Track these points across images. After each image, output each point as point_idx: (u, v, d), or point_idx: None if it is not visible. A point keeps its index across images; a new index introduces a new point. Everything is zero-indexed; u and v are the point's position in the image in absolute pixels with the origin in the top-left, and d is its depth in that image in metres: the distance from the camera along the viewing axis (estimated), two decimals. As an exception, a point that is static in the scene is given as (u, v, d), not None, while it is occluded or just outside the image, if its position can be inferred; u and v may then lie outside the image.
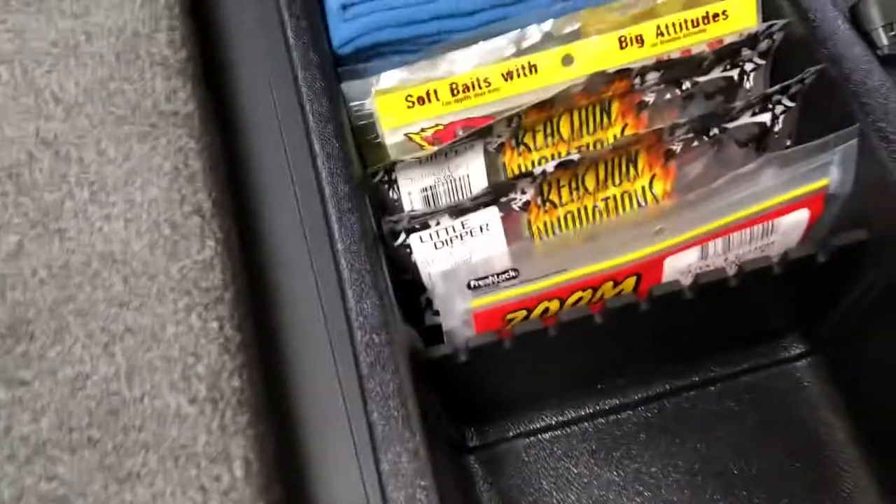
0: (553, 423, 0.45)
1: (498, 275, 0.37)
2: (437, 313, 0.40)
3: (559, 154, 0.41)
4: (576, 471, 0.44)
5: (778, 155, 0.37)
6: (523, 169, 0.41)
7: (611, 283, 0.38)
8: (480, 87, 0.40)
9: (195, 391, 0.31)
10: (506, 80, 0.40)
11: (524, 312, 0.38)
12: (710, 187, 0.37)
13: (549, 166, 0.37)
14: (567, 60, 0.40)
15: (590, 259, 0.37)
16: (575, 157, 0.37)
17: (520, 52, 0.41)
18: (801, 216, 0.39)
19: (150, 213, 0.35)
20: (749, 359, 0.46)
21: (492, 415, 0.45)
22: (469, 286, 0.37)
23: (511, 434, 0.45)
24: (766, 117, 0.40)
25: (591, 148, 0.41)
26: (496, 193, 0.38)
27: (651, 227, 0.37)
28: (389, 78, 0.41)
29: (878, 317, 0.40)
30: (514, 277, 0.37)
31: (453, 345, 0.38)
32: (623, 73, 0.38)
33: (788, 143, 0.41)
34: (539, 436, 0.45)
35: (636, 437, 0.44)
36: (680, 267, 0.38)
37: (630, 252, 0.37)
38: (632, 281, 0.38)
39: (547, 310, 0.38)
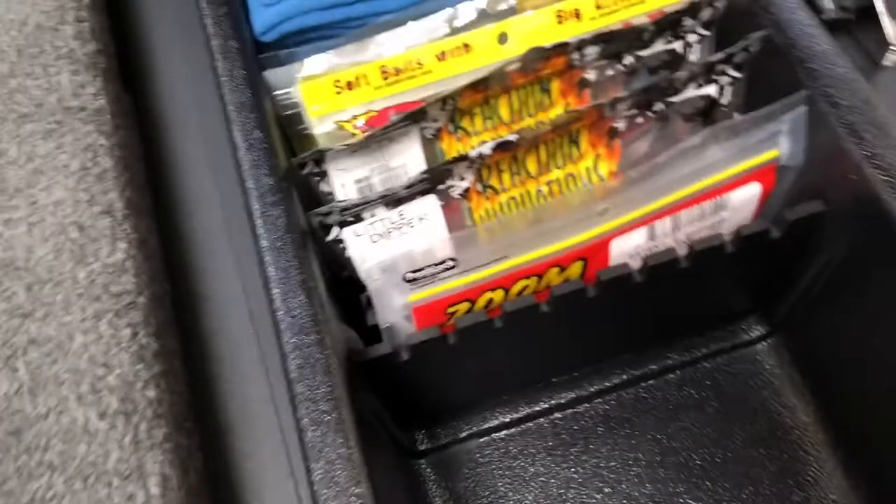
0: (507, 420, 0.43)
1: (435, 265, 0.34)
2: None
3: (500, 137, 0.39)
4: (532, 469, 0.42)
5: (724, 126, 0.36)
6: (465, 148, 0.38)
7: (556, 270, 0.36)
8: (413, 70, 0.38)
9: (106, 404, 0.29)
10: (439, 60, 0.38)
11: (467, 304, 0.36)
12: (653, 163, 0.35)
13: (486, 148, 0.35)
14: (503, 38, 0.38)
15: (532, 245, 0.35)
16: (512, 137, 0.35)
17: (453, 32, 0.39)
18: (753, 190, 0.37)
19: (55, 215, 0.32)
20: (708, 344, 0.44)
21: (442, 415, 0.43)
22: (405, 279, 0.34)
23: (463, 435, 0.42)
24: (711, 89, 0.39)
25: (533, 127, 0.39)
26: (432, 181, 0.36)
27: (594, 208, 0.35)
28: (315, 63, 0.38)
29: (837, 293, 0.38)
30: (452, 267, 0.35)
31: (394, 343, 0.35)
32: (560, 49, 0.36)
33: (737, 115, 0.39)
34: (493, 435, 0.43)
35: (594, 431, 0.42)
36: (627, 249, 0.36)
37: (573, 235, 0.35)
38: (578, 266, 0.36)
39: (491, 301, 0.36)
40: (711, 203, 0.36)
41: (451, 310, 0.36)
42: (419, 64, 0.38)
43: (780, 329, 0.43)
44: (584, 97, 0.39)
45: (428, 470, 0.42)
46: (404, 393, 0.39)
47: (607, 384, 0.43)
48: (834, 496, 0.40)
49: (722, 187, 0.36)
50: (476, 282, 0.35)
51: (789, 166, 0.37)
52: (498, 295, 0.36)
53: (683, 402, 0.43)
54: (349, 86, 0.38)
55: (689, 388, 0.43)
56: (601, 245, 0.36)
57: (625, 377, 0.43)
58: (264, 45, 0.41)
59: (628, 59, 0.39)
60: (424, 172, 0.36)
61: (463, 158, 0.35)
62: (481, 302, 0.36)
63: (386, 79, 0.38)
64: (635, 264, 0.36)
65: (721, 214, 0.37)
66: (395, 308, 0.35)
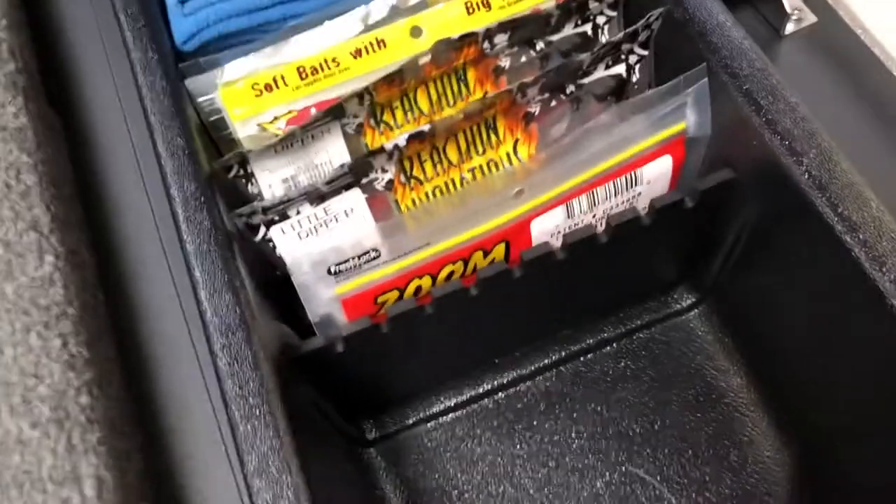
0: (452, 404, 0.44)
1: (358, 257, 0.35)
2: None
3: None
4: (479, 450, 0.43)
5: (630, 103, 0.37)
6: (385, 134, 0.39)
7: (480, 254, 0.37)
8: (329, 68, 0.39)
9: (38, 414, 0.30)
10: (355, 58, 0.39)
11: (396, 293, 0.37)
12: (565, 143, 0.36)
13: (401, 139, 0.36)
14: (415, 32, 0.39)
15: (455, 230, 0.36)
16: (425, 127, 0.36)
17: (367, 29, 0.40)
18: (665, 163, 0.38)
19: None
20: (641, 315, 0.45)
21: (389, 404, 0.44)
22: (330, 272, 0.35)
23: (411, 421, 0.43)
24: (621, 69, 0.40)
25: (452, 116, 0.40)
26: (355, 175, 0.37)
27: (510, 191, 0.36)
28: (234, 69, 0.39)
29: (754, 257, 0.40)
30: (376, 258, 0.36)
31: (328, 335, 0.36)
32: (468, 38, 0.37)
33: (647, 91, 0.40)
34: (439, 419, 0.44)
35: (536, 408, 0.43)
36: (548, 229, 0.38)
37: (493, 218, 0.36)
38: (501, 248, 0.37)
39: (420, 288, 0.37)
40: (625, 179, 0.38)
41: (380, 299, 0.37)
42: (335, 62, 0.39)
43: (709, 296, 0.44)
44: (501, 83, 0.40)
45: (378, 458, 0.43)
46: (346, 384, 0.40)
47: (546, 361, 0.44)
48: (769, 453, 0.41)
49: (634, 162, 0.37)
50: (402, 270, 0.36)
51: (697, 137, 0.38)
52: (426, 282, 0.37)
53: (621, 374, 0.44)
54: (267, 88, 0.38)
55: (626, 359, 0.44)
56: (521, 226, 0.37)
57: (563, 353, 0.44)
58: (187, 53, 0.42)
59: (540, 45, 0.40)
60: (343, 167, 0.36)
61: (380, 151, 0.36)
62: (410, 289, 0.37)
63: (303, 79, 0.39)
64: (557, 243, 0.37)
65: (636, 189, 0.38)
66: (324, 301, 0.36)
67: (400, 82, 0.38)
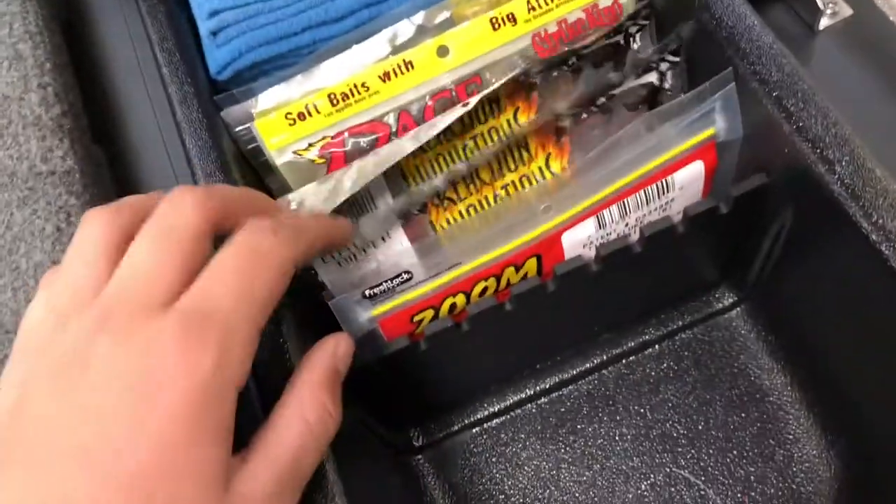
0: (496, 410, 0.45)
1: (391, 280, 0.36)
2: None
3: (454, 148, 0.40)
4: (524, 454, 0.44)
5: (657, 112, 0.37)
6: (421, 170, 0.40)
7: (512, 269, 0.38)
8: (359, 93, 0.39)
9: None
10: (383, 81, 0.40)
11: (431, 312, 0.38)
12: (590, 155, 0.36)
13: (440, 182, 0.37)
14: (442, 51, 0.40)
15: (486, 247, 0.37)
16: (462, 166, 0.37)
17: (395, 50, 0.40)
18: (696, 169, 0.38)
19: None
20: (682, 316, 0.45)
21: (434, 412, 0.45)
22: (364, 296, 0.36)
23: (456, 427, 0.45)
24: (652, 77, 0.39)
25: (485, 136, 0.40)
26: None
27: (538, 206, 0.36)
28: (268, 98, 0.40)
29: (793, 258, 0.39)
30: (408, 280, 0.36)
31: (366, 356, 0.37)
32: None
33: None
34: (484, 425, 0.45)
35: (580, 412, 0.44)
36: (580, 240, 0.38)
37: (523, 234, 0.36)
38: (533, 263, 0.38)
39: (454, 306, 0.38)
40: (656, 187, 0.38)
41: (416, 318, 0.38)
42: (365, 87, 0.39)
43: (751, 295, 0.44)
44: (533, 100, 0.40)
45: (425, 465, 0.44)
46: (389, 398, 0.41)
47: (588, 365, 0.45)
48: (814, 452, 0.41)
49: (664, 170, 0.37)
50: (436, 290, 0.37)
51: (728, 141, 0.38)
52: (460, 300, 0.38)
53: (663, 375, 0.44)
54: (301, 116, 0.39)
55: (668, 360, 0.44)
56: (552, 240, 0.37)
57: (605, 357, 0.45)
58: (223, 82, 0.43)
59: (572, 59, 0.40)
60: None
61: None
62: (445, 307, 0.38)
63: (335, 105, 0.39)
64: (589, 254, 0.38)
65: (669, 196, 0.38)
66: (360, 324, 0.37)
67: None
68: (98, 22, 0.47)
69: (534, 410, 0.45)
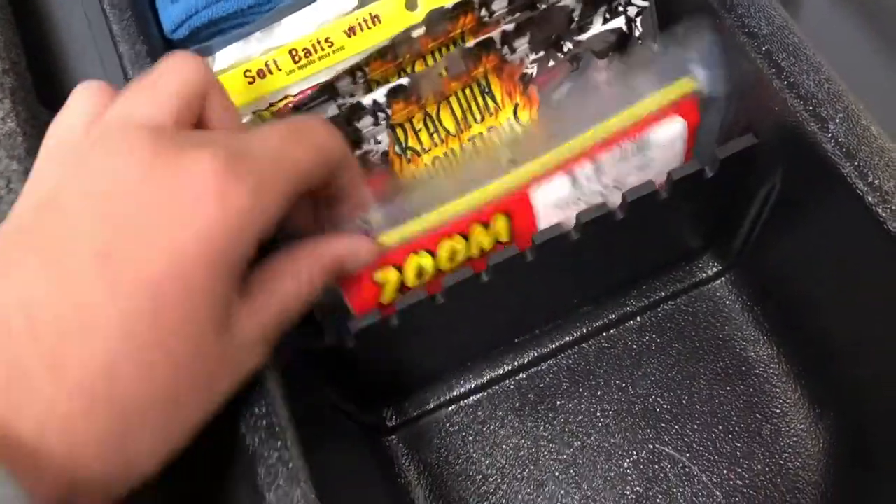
0: (472, 387, 0.43)
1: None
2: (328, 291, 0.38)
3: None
4: (502, 432, 0.42)
5: (628, 58, 0.35)
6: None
7: (481, 229, 0.35)
8: (323, 49, 0.37)
9: None
10: (349, 36, 0.37)
11: (395, 273, 0.35)
12: (555, 97, 0.34)
13: (380, 95, 0.35)
14: (411, 5, 0.37)
15: (446, 200, 0.35)
16: (404, 81, 0.35)
17: (362, 4, 0.38)
18: (676, 126, 0.36)
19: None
20: (665, 287, 0.43)
21: (408, 390, 0.43)
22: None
23: (431, 406, 0.43)
24: (620, 22, 0.37)
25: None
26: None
27: (501, 157, 0.34)
28: (226, 56, 0.37)
29: (781, 224, 0.38)
30: (367, 231, 0.34)
31: (336, 333, 0.35)
32: (464, 6, 0.35)
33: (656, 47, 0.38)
34: (461, 402, 0.43)
35: (559, 387, 0.42)
36: (552, 200, 0.36)
37: (486, 186, 0.34)
38: (503, 223, 0.35)
39: (421, 268, 0.36)
40: (632, 143, 0.35)
41: (378, 277, 0.35)
42: (329, 42, 0.37)
43: (736, 264, 0.42)
44: (532, 93, 0.38)
45: (400, 444, 0.42)
46: (361, 377, 0.39)
47: (568, 339, 0.43)
48: (803, 426, 0.40)
49: (640, 125, 0.35)
50: (395, 245, 0.35)
51: (711, 97, 0.36)
52: (426, 260, 0.35)
53: (646, 348, 0.42)
54: (260, 74, 0.37)
55: (650, 333, 0.43)
56: (521, 196, 0.35)
57: (585, 330, 0.43)
58: (178, 42, 0.40)
59: (567, 46, 0.37)
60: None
61: (360, 109, 0.35)
62: (410, 269, 0.35)
63: (297, 62, 0.37)
64: (567, 217, 0.36)
65: (647, 154, 0.36)
66: None
67: (394, 57, 0.36)
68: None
69: (512, 387, 0.43)
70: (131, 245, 0.24)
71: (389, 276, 0.35)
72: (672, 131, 0.36)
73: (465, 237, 0.35)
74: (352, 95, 0.37)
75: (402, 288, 0.36)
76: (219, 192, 0.24)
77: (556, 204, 0.36)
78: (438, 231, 0.35)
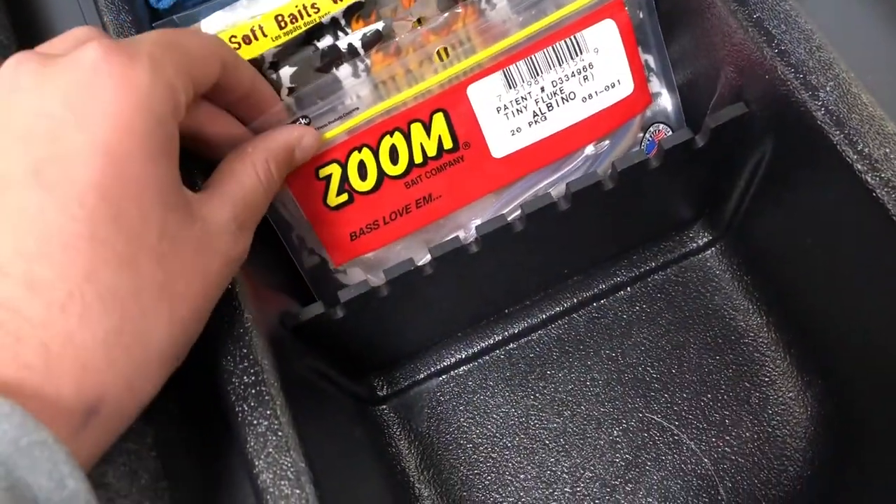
0: (463, 356, 0.43)
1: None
2: (312, 251, 0.38)
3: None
4: (493, 401, 0.42)
5: None
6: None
7: (420, 126, 0.36)
8: (309, 14, 0.36)
9: None
10: (335, 2, 0.36)
11: (337, 167, 0.36)
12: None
13: (356, 40, 0.36)
14: (397, -31, 0.37)
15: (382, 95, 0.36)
16: (378, 25, 0.36)
17: (348, -29, 0.37)
18: (608, 28, 0.37)
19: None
20: (656, 257, 0.43)
21: (398, 360, 0.43)
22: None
23: (421, 376, 0.43)
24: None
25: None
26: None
27: (428, 50, 0.35)
28: (211, 23, 0.37)
29: (771, 193, 0.37)
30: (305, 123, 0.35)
31: (324, 303, 0.35)
32: None
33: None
34: (451, 372, 0.43)
35: (549, 357, 0.42)
36: (489, 98, 0.36)
37: (419, 82, 0.35)
38: (441, 121, 0.36)
39: (363, 166, 0.36)
40: (565, 44, 0.36)
41: (322, 173, 0.36)
42: (315, 7, 0.36)
43: (726, 233, 0.42)
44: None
45: (391, 414, 0.42)
46: (351, 346, 0.39)
47: (558, 309, 0.43)
48: (791, 394, 0.40)
49: (569, 26, 0.36)
50: (334, 139, 0.36)
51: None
52: (367, 156, 0.36)
53: (636, 318, 0.43)
54: (246, 40, 0.36)
55: (640, 302, 0.43)
56: (457, 93, 0.36)
57: (575, 300, 0.43)
58: (164, 11, 0.39)
59: None
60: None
61: (337, 58, 0.36)
62: (352, 165, 0.36)
63: (282, 27, 0.36)
64: (497, 117, 0.37)
65: (584, 59, 0.37)
66: None
67: (397, 51, 0.36)
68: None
69: (502, 356, 0.43)
70: (59, 155, 0.23)
71: (333, 169, 0.36)
72: (604, 33, 0.36)
73: (405, 134, 0.36)
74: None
75: (348, 186, 0.37)
76: (116, 73, 0.24)
77: (496, 107, 0.36)
78: (375, 125, 0.36)
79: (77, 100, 0.24)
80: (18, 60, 0.25)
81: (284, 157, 0.32)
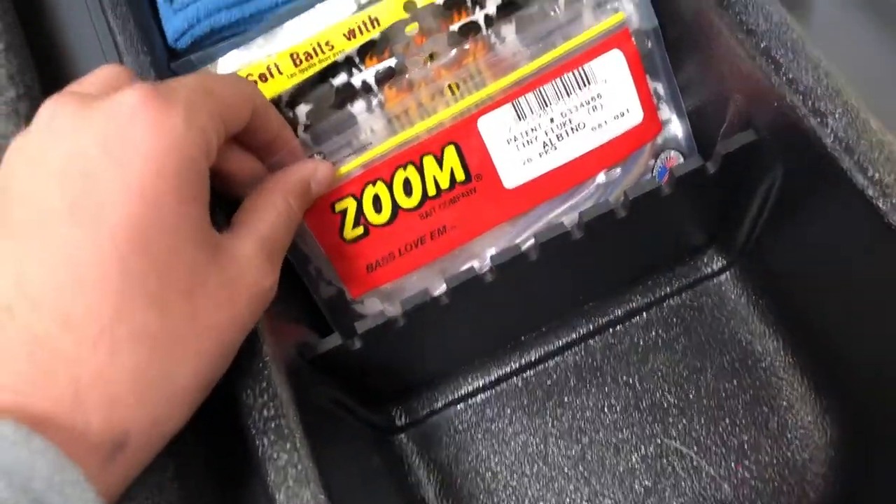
0: (480, 385, 0.43)
1: None
2: (329, 283, 0.39)
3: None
4: (511, 430, 0.42)
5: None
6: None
7: (433, 160, 0.37)
8: (324, 51, 0.37)
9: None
10: (348, 38, 0.37)
11: (353, 200, 0.37)
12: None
13: (369, 77, 0.37)
14: (409, 6, 0.37)
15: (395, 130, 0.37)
16: (391, 62, 0.36)
17: (361, 8, 0.38)
18: (616, 59, 0.37)
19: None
20: (670, 282, 0.43)
21: (416, 389, 0.43)
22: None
23: (439, 405, 0.43)
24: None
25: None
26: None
27: (440, 85, 0.36)
28: (228, 62, 0.38)
29: (783, 218, 0.38)
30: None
31: (344, 329, 0.36)
32: (453, 1, 0.36)
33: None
34: (469, 401, 0.43)
35: (567, 384, 0.43)
36: (499, 130, 0.37)
37: (432, 115, 0.36)
38: (453, 154, 0.37)
39: (378, 200, 0.37)
40: (574, 75, 0.37)
41: (338, 207, 0.37)
42: (329, 45, 0.37)
43: (740, 258, 0.42)
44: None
45: (409, 444, 0.42)
46: (369, 376, 0.39)
47: (574, 336, 0.43)
48: (809, 418, 0.40)
49: (577, 58, 0.37)
50: (349, 174, 0.36)
51: (643, 30, 0.38)
52: (382, 191, 0.37)
53: (652, 343, 0.43)
54: (262, 78, 0.37)
55: (656, 328, 0.43)
56: (468, 125, 0.37)
57: (591, 326, 0.43)
58: (182, 51, 0.40)
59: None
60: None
61: (350, 89, 0.37)
62: (367, 200, 0.37)
63: (298, 65, 0.37)
64: (508, 148, 0.37)
65: (592, 89, 0.37)
66: None
67: (409, 88, 0.37)
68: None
69: (519, 384, 0.43)
70: (94, 192, 0.24)
71: (348, 203, 0.37)
72: (612, 63, 0.37)
73: (419, 168, 0.37)
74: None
75: (363, 220, 0.37)
76: (153, 118, 0.25)
77: (507, 138, 0.37)
78: (388, 159, 0.36)
79: (113, 142, 0.25)
80: (57, 102, 0.26)
81: (301, 190, 0.33)
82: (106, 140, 0.25)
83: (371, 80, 0.37)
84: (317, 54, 0.37)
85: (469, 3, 0.36)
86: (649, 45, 0.38)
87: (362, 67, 0.37)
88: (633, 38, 0.37)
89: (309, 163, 0.34)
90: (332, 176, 0.35)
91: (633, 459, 0.41)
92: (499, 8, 0.37)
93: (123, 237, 0.24)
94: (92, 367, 0.23)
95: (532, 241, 0.36)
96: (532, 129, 0.37)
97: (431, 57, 0.37)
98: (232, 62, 0.38)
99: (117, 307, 0.24)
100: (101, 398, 0.23)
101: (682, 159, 0.41)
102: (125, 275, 0.24)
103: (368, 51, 0.37)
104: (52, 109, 0.26)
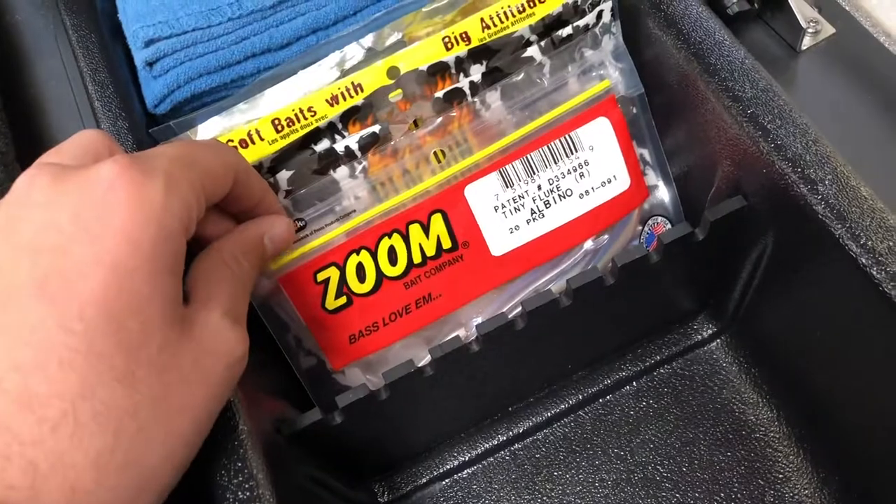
0: (466, 458, 0.41)
1: None
2: (309, 353, 0.38)
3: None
4: (498, 506, 0.40)
5: (540, 63, 0.36)
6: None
7: (418, 228, 0.36)
8: (306, 118, 0.37)
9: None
10: (331, 105, 0.37)
11: (336, 271, 0.36)
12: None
13: (353, 143, 0.36)
14: (392, 73, 0.37)
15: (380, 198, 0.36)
16: (375, 128, 0.36)
17: (344, 74, 0.38)
18: (602, 126, 0.37)
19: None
20: (661, 350, 0.42)
21: (398, 463, 0.41)
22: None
23: (424, 480, 0.41)
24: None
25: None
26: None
27: (428, 152, 0.36)
28: (208, 128, 0.37)
29: (775, 285, 0.37)
30: (301, 228, 0.35)
31: (323, 407, 0.34)
32: (437, 68, 0.35)
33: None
34: (455, 476, 0.41)
35: (556, 457, 0.41)
36: (486, 198, 0.37)
37: (417, 183, 0.36)
38: (440, 222, 0.36)
39: (362, 268, 0.36)
40: (561, 143, 0.37)
41: (321, 276, 0.36)
42: (311, 111, 0.37)
43: (731, 324, 0.42)
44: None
45: (392, 521, 0.41)
46: (350, 450, 0.38)
47: (563, 406, 0.42)
48: (807, 491, 0.39)
49: (564, 125, 0.37)
50: (331, 242, 0.36)
51: (629, 97, 0.38)
52: (366, 259, 0.36)
53: (643, 414, 0.41)
54: (242, 144, 0.36)
55: (647, 398, 0.42)
56: (454, 193, 0.36)
57: (580, 396, 0.42)
58: (161, 116, 0.40)
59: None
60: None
61: (335, 162, 0.36)
62: (351, 268, 0.36)
63: (279, 131, 0.36)
64: (495, 216, 0.37)
65: (579, 156, 0.37)
66: (261, 285, 0.36)
67: (393, 154, 0.36)
68: (30, 54, 0.44)
69: (507, 457, 0.41)
70: (65, 267, 0.23)
71: (331, 272, 0.36)
72: (598, 131, 0.37)
73: (404, 236, 0.36)
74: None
75: (346, 290, 0.36)
76: (131, 191, 0.24)
77: (494, 206, 0.36)
78: (372, 227, 0.36)
79: (88, 215, 0.24)
80: (34, 174, 0.25)
81: (253, 247, 0.31)
82: (80, 213, 0.24)
83: (354, 147, 0.36)
84: (299, 120, 0.37)
85: (453, 70, 0.36)
86: (635, 111, 0.38)
87: (346, 133, 0.37)
88: (619, 106, 0.37)
89: (265, 219, 0.33)
90: (289, 232, 0.34)
91: (627, 537, 0.39)
92: (484, 75, 0.36)
93: (90, 313, 0.23)
94: (52, 451, 0.22)
95: (519, 308, 0.35)
96: (519, 197, 0.36)
97: (416, 123, 0.37)
98: (212, 128, 0.37)
99: (82, 387, 0.22)
100: (61, 486, 0.22)
101: (669, 225, 0.40)
102: (91, 353, 0.23)
103: (352, 117, 0.36)
104: (29, 181, 0.25)
